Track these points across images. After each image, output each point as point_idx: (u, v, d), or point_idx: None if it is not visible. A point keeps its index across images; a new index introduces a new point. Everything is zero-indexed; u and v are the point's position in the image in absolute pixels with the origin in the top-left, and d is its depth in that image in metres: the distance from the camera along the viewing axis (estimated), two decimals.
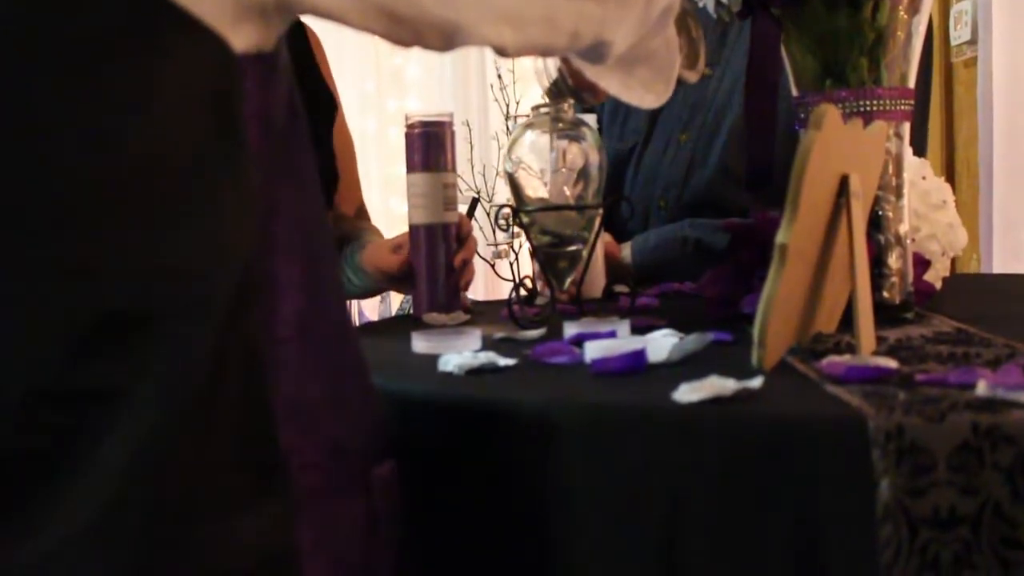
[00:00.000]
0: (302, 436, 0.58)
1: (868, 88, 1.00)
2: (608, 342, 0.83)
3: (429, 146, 1.22)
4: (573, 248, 1.10)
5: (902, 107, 1.02)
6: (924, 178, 1.25)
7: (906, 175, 1.05)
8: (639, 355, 0.77)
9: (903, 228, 1.04)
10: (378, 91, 3.96)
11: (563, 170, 1.09)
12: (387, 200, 3.99)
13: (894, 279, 1.03)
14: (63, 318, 0.49)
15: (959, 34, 2.58)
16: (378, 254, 1.33)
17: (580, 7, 0.63)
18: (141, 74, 0.49)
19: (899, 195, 1.03)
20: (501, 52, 0.62)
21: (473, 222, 1.79)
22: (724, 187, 1.50)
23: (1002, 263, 2.36)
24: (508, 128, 2.90)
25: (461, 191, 2.84)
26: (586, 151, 1.08)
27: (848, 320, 0.86)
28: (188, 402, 0.51)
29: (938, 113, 2.61)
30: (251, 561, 0.52)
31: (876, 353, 0.83)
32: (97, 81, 0.49)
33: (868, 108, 1.00)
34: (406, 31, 0.58)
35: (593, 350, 0.82)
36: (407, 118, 1.25)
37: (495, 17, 0.58)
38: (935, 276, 1.23)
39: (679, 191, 1.55)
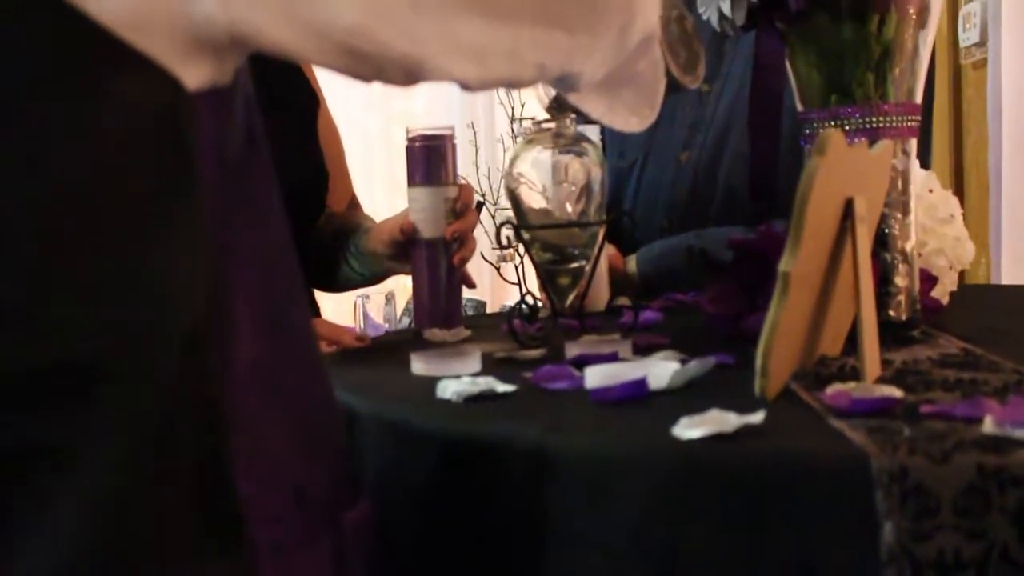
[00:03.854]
0: (263, 488, 0.56)
1: (874, 104, 0.99)
2: (608, 368, 0.82)
3: (430, 160, 1.20)
4: (575, 265, 1.08)
5: (909, 123, 1.00)
6: (931, 191, 1.23)
7: (913, 189, 1.03)
8: (640, 384, 0.76)
9: (909, 245, 1.02)
10: (384, 90, 3.95)
11: (565, 185, 1.08)
12: (392, 200, 3.98)
13: (900, 297, 1.02)
14: None
15: (968, 36, 2.56)
16: (381, 227, 1.32)
17: (548, 39, 0.60)
18: (77, 116, 0.47)
19: (906, 212, 1.02)
20: (464, 86, 0.60)
21: (478, 226, 1.79)
22: (731, 210, 1.48)
23: (1011, 267, 2.34)
24: (513, 131, 2.89)
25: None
26: (588, 166, 1.07)
27: (853, 339, 0.84)
28: (140, 458, 0.48)
29: (947, 116, 2.59)
30: None
31: (882, 378, 0.81)
32: (24, 123, 0.46)
33: (874, 124, 0.99)
34: (368, 67, 0.56)
35: (593, 377, 0.80)
36: (408, 131, 1.23)
37: (458, 52, 0.56)
38: (942, 291, 1.21)
39: (683, 212, 1.54)
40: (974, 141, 2.53)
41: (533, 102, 3.27)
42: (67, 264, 0.47)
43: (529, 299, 1.09)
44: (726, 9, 1.02)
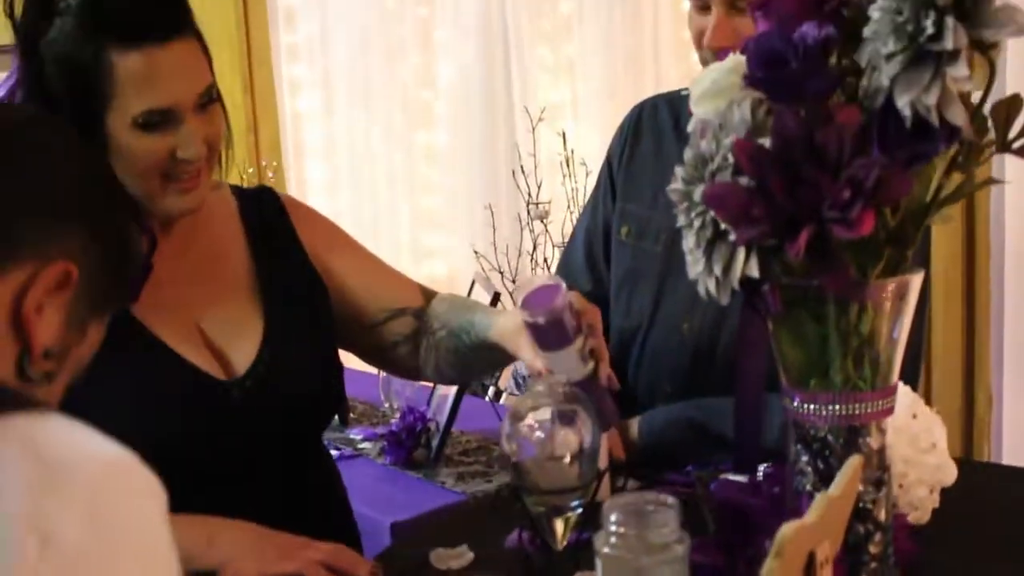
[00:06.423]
0: None
1: (851, 393, 1.04)
2: None
3: (556, 329, 1.19)
4: (571, 515, 1.15)
5: (885, 407, 1.05)
6: (915, 416, 1.28)
7: (892, 424, 1.08)
8: None
9: (884, 514, 1.08)
10: (404, 123, 3.99)
11: (561, 441, 1.14)
12: (416, 233, 4.04)
13: (874, 564, 1.07)
14: None
15: None
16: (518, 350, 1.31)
17: None
18: None
19: (880, 487, 1.07)
20: None
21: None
22: (732, 380, 1.53)
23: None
24: (529, 212, 2.96)
25: (486, 274, 2.86)
26: (580, 429, 1.13)
27: None
28: None
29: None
30: None
31: None
32: None
33: (852, 411, 1.04)
34: None
35: None
36: (519, 296, 1.22)
37: None
38: (923, 513, 1.27)
39: (686, 380, 1.59)
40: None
41: (549, 181, 3.31)
42: None
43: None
44: (711, 287, 1.07)
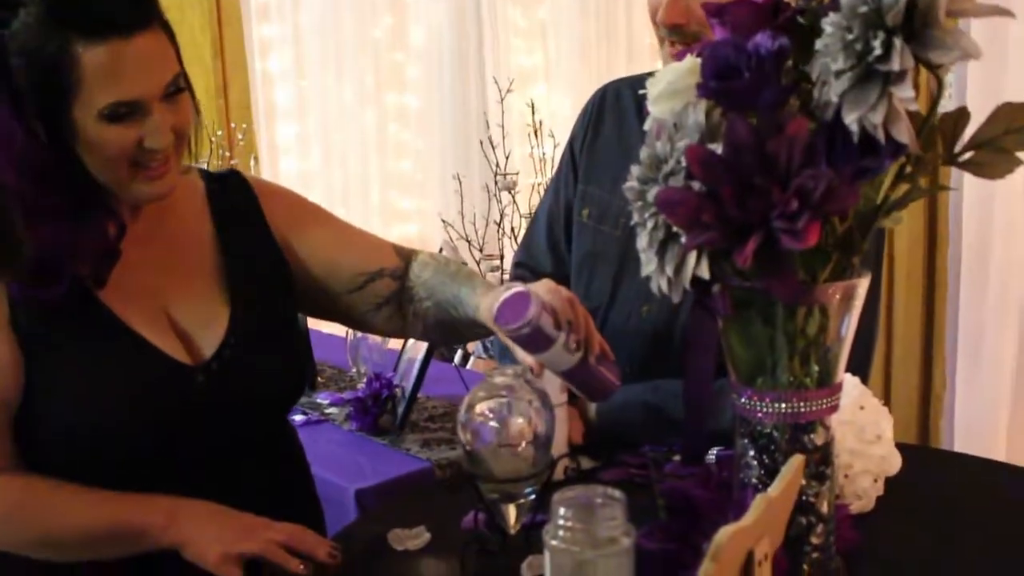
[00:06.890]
0: None
1: (796, 392, 1.07)
2: None
3: (538, 336, 1.19)
4: (524, 501, 1.18)
5: (829, 404, 1.08)
6: (862, 407, 1.32)
7: (839, 416, 1.11)
8: None
9: (826, 506, 1.11)
10: (376, 84, 3.99)
11: (514, 427, 1.17)
12: (387, 194, 4.04)
13: (816, 555, 1.11)
14: None
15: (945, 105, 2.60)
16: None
17: None
18: None
19: (823, 481, 1.10)
20: None
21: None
22: (687, 360, 1.56)
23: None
24: (496, 182, 2.96)
25: (453, 243, 2.86)
26: (534, 418, 1.16)
27: None
28: None
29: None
30: None
31: None
32: None
33: (796, 409, 1.07)
34: None
35: None
36: (496, 311, 1.22)
37: None
38: (867, 502, 1.31)
39: (644, 360, 1.62)
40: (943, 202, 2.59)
41: (518, 149, 3.31)
42: None
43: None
44: (663, 285, 1.10)
